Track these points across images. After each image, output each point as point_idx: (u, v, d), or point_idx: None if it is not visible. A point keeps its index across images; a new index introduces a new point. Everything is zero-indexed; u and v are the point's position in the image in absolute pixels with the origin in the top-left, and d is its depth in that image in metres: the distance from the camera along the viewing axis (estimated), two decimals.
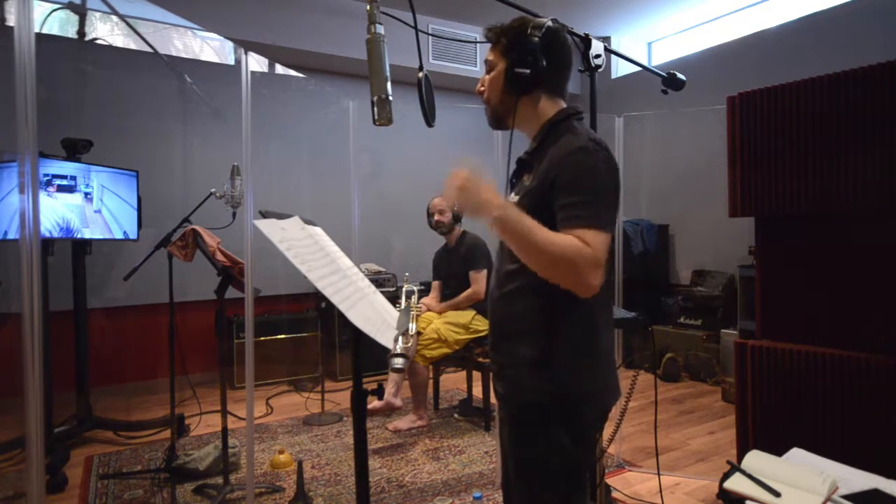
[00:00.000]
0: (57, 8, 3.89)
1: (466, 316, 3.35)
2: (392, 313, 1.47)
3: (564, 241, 1.05)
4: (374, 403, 3.26)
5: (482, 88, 1.30)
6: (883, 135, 1.80)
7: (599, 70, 1.62)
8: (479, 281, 3.36)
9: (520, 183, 1.25)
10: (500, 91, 1.25)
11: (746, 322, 3.89)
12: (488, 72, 1.28)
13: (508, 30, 1.24)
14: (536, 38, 1.19)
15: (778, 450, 1.42)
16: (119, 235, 3.28)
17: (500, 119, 1.29)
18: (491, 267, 3.22)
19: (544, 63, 1.19)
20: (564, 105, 1.27)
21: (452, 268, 3.52)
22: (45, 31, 3.83)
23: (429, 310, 3.48)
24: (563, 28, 1.27)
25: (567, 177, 1.11)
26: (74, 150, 3.12)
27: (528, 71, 1.19)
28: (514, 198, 1.25)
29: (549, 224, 1.08)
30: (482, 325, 3.32)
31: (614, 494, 2.45)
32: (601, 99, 1.71)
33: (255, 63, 4.62)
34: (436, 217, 3.49)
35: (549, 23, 1.22)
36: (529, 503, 1.22)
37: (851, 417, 1.87)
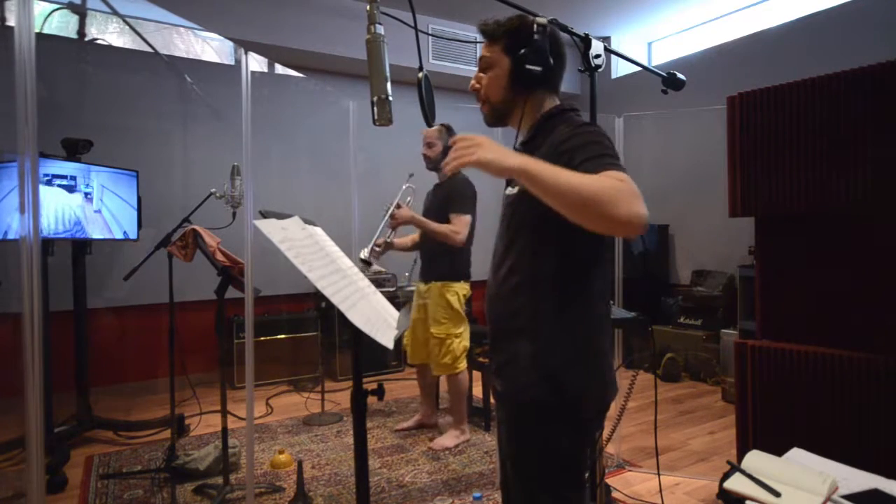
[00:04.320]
0: (57, 8, 3.89)
1: (444, 301, 3.03)
2: (392, 313, 1.47)
3: (599, 178, 0.99)
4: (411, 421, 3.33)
5: (478, 86, 1.29)
6: (883, 134, 1.80)
7: (599, 70, 1.62)
8: (459, 223, 2.93)
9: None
10: (504, 89, 1.25)
11: (746, 322, 3.89)
12: (483, 69, 1.28)
13: (511, 28, 1.24)
14: (542, 37, 1.19)
15: (778, 450, 1.42)
16: (119, 235, 3.28)
17: (501, 117, 1.29)
18: (475, 214, 3.05)
19: (551, 62, 1.20)
20: (558, 101, 1.29)
21: (433, 207, 3.10)
22: (45, 31, 3.83)
23: (398, 217, 2.97)
24: (561, 27, 1.28)
25: (578, 142, 1.11)
26: (74, 150, 3.12)
27: (539, 69, 1.19)
28: (512, 189, 1.25)
29: (551, 212, 1.00)
30: (462, 288, 3.07)
31: (614, 494, 2.45)
32: (601, 99, 1.71)
33: (255, 63, 4.61)
34: (423, 150, 3.08)
35: (546, 21, 1.22)
36: (528, 503, 1.22)
37: (851, 417, 1.87)
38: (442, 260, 3.05)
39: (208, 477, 2.62)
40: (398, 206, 2.99)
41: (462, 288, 3.08)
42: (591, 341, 1.19)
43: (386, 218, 2.97)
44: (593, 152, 1.07)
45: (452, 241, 2.92)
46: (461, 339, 3.06)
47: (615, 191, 0.95)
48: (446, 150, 2.99)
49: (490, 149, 1.01)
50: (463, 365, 3.07)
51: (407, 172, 3.14)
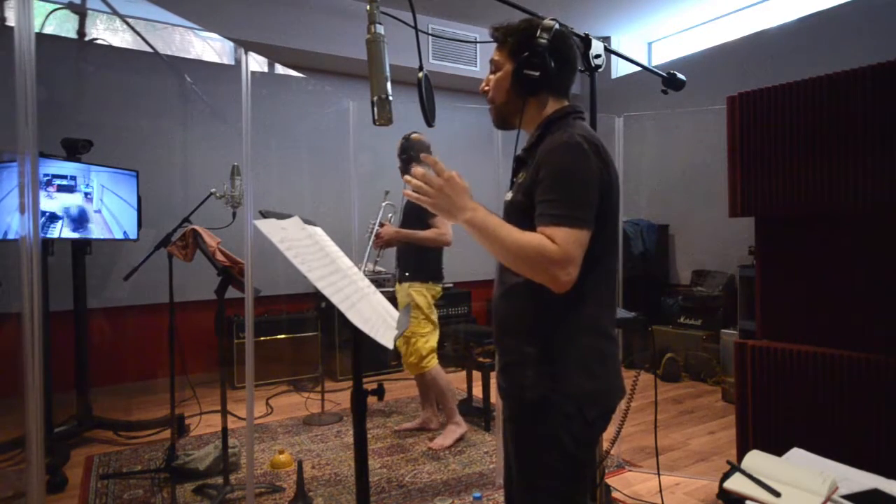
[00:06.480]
0: (57, 8, 3.89)
1: (411, 300, 3.05)
2: (392, 313, 1.47)
3: (531, 240, 1.08)
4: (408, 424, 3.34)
5: (487, 88, 1.31)
6: (883, 135, 1.80)
7: (599, 70, 1.62)
8: (443, 224, 2.96)
9: (516, 180, 1.27)
10: (507, 91, 1.26)
11: (746, 322, 3.89)
12: (493, 71, 1.29)
13: (516, 31, 1.25)
14: (545, 41, 1.20)
15: (778, 450, 1.42)
16: (119, 235, 3.28)
17: (505, 119, 1.30)
18: None
19: (552, 65, 1.20)
20: (567, 103, 1.28)
21: (412, 211, 3.04)
22: (45, 31, 3.83)
23: (383, 236, 3.06)
24: (569, 30, 1.28)
25: (545, 172, 1.13)
26: (74, 150, 3.12)
27: (537, 73, 1.19)
28: (509, 195, 1.26)
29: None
30: (430, 289, 3.09)
31: (614, 494, 2.45)
32: (601, 99, 1.71)
33: (255, 63, 4.62)
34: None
35: (557, 25, 1.23)
36: (529, 502, 1.22)
37: (851, 417, 1.87)
38: (412, 262, 3.11)
39: (208, 477, 2.62)
40: (381, 225, 3.09)
41: (431, 289, 3.11)
42: (595, 344, 1.19)
43: (371, 239, 3.00)
44: (550, 196, 1.11)
45: (442, 243, 3.00)
46: (427, 339, 3.07)
47: (537, 255, 1.07)
48: (408, 157, 3.02)
49: (444, 200, 1.14)
50: (431, 363, 3.08)
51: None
